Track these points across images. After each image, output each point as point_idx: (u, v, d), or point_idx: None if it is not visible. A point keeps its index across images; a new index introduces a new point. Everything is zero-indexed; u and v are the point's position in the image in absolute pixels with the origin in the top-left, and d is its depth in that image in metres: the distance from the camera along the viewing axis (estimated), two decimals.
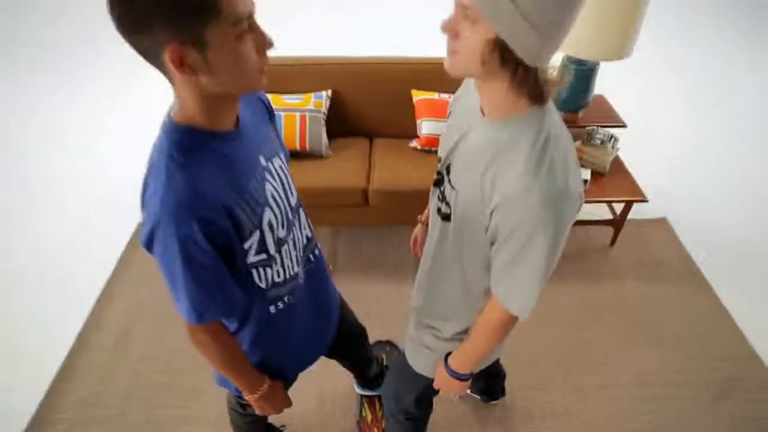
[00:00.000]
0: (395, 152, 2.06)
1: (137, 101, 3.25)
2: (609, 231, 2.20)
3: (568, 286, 2.03)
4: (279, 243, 0.79)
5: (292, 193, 0.85)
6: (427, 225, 1.18)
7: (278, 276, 0.83)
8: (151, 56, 0.57)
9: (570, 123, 2.08)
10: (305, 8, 4.57)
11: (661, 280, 2.07)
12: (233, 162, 0.69)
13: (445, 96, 2.04)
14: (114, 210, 2.40)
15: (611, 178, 2.06)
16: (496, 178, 0.69)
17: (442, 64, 0.67)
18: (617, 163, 2.13)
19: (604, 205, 2.26)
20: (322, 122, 1.99)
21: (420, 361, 1.06)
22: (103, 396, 1.65)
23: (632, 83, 3.35)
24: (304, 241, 0.92)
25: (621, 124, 2.12)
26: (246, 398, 0.93)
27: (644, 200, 1.98)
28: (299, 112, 1.95)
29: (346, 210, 2.02)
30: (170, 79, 0.61)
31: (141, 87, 3.22)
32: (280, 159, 0.83)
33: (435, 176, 0.88)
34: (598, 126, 2.08)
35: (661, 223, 2.34)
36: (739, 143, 2.93)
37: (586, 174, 2.00)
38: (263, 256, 0.76)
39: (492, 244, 0.76)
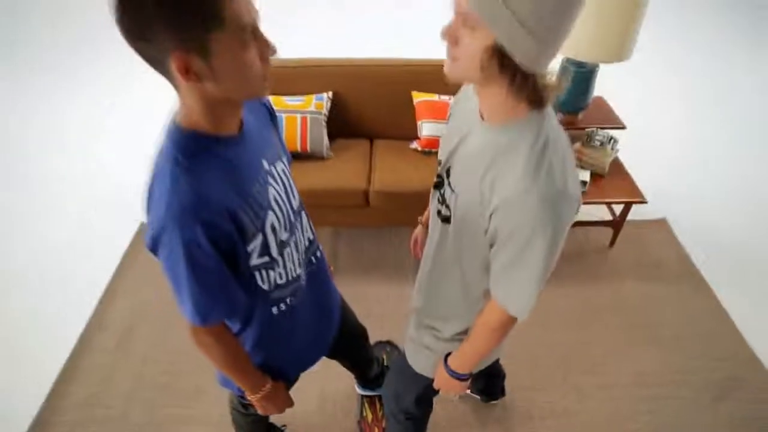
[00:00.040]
0: (396, 153, 2.07)
1: (137, 101, 3.26)
2: (608, 232, 2.21)
3: (567, 287, 2.04)
4: (281, 246, 0.80)
5: (294, 196, 0.86)
6: (427, 226, 1.19)
7: (280, 278, 0.84)
8: (157, 63, 0.58)
9: (570, 125, 2.09)
10: (306, 9, 4.58)
11: (661, 280, 2.08)
12: (237, 166, 0.70)
13: (445, 98, 2.04)
14: (114, 210, 2.41)
15: (611, 179, 2.07)
16: (496, 181, 0.70)
17: (443, 66, 0.68)
18: (617, 165, 2.14)
19: (604, 206, 2.27)
20: (323, 124, 2.00)
21: (420, 362, 1.07)
22: (105, 397, 1.65)
23: (632, 84, 3.35)
24: (306, 243, 0.93)
25: (620, 126, 2.13)
26: (249, 398, 0.94)
27: (643, 201, 1.99)
28: (300, 114, 1.96)
29: (347, 211, 2.03)
30: (175, 86, 0.62)
31: (141, 87, 3.22)
32: (283, 163, 0.84)
33: (435, 179, 0.89)
34: (597, 128, 2.09)
35: (661, 224, 2.35)
36: (739, 144, 2.94)
37: (586, 175, 2.01)
38: (266, 258, 0.77)
39: (491, 246, 0.77)
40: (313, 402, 1.64)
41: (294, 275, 0.87)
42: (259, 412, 0.98)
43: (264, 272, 0.79)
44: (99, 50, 3.90)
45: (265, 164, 0.77)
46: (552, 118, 0.73)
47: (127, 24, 0.54)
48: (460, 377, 0.96)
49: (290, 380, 1.06)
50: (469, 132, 0.79)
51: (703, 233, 2.31)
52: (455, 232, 0.83)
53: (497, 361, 1.41)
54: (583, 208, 2.24)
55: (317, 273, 0.99)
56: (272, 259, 0.79)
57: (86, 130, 3.03)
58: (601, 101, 2.27)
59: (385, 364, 1.70)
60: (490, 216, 0.72)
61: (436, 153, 0.91)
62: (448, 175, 0.84)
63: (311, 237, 0.96)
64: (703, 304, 1.99)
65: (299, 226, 0.89)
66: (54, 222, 2.35)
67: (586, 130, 2.09)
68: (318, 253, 0.99)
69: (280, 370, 0.98)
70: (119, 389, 1.67)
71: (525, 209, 0.67)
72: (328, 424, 1.59)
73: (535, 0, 0.56)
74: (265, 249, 0.76)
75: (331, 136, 2.08)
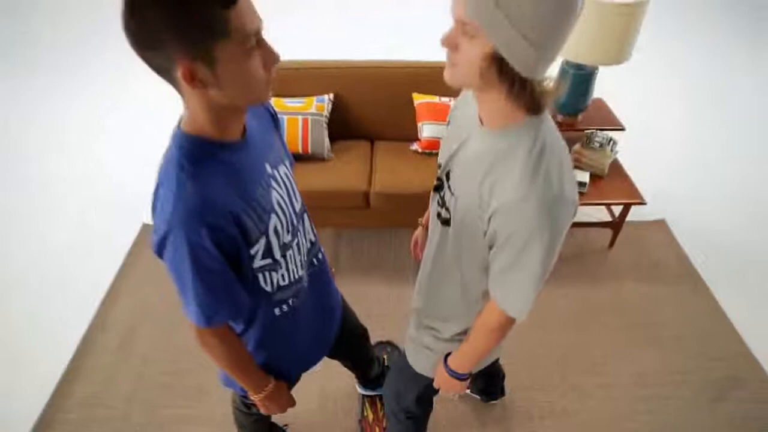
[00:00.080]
0: (396, 155, 2.08)
1: (137, 101, 3.26)
2: (608, 233, 2.23)
3: (567, 288, 2.05)
4: (284, 248, 0.82)
5: (296, 199, 0.88)
6: (427, 228, 1.20)
7: (283, 279, 0.85)
8: (163, 71, 0.60)
9: (569, 126, 2.10)
10: (306, 11, 4.59)
11: (660, 281, 2.09)
12: (240, 171, 0.71)
13: (445, 99, 2.06)
14: (116, 211, 2.42)
15: (610, 180, 2.08)
16: (494, 185, 0.71)
17: (443, 68, 0.69)
18: (616, 166, 2.15)
19: (603, 207, 2.29)
20: (324, 125, 2.01)
21: (420, 362, 1.08)
22: (107, 396, 1.67)
23: (631, 86, 3.36)
24: (308, 245, 0.94)
25: (620, 128, 2.14)
26: (251, 398, 0.95)
27: (642, 203, 2.01)
28: (301, 116, 1.97)
29: (348, 212, 2.04)
30: (180, 92, 0.64)
31: (141, 87, 3.23)
32: (285, 166, 0.86)
33: (435, 182, 0.91)
34: (596, 129, 2.11)
35: (660, 225, 2.36)
36: (738, 145, 2.95)
37: (585, 176, 2.02)
38: (269, 260, 0.79)
39: (490, 248, 0.78)
40: (314, 401, 1.65)
41: (296, 277, 0.89)
42: (262, 411, 0.99)
43: (267, 274, 0.81)
44: (99, 50, 3.91)
45: (268, 168, 0.79)
46: (549, 121, 0.74)
47: (135, 34, 0.56)
48: (459, 377, 0.98)
49: (292, 380, 1.07)
50: (468, 137, 0.80)
51: (702, 234, 2.32)
52: (455, 234, 0.84)
53: (497, 361, 1.43)
54: (583, 209, 2.26)
55: (319, 274, 1.00)
56: (275, 261, 0.80)
57: (87, 130, 3.04)
58: (600, 103, 2.28)
59: (386, 364, 1.71)
60: (489, 219, 0.73)
61: (437, 155, 0.92)
62: (447, 179, 0.85)
63: (313, 239, 0.97)
64: (701, 304, 2.00)
65: (301, 229, 0.90)
66: (55, 223, 2.36)
67: (586, 131, 2.11)
68: (320, 255, 1.01)
69: (283, 370, 1.00)
70: (122, 389, 1.69)
71: (523, 213, 0.68)
72: (329, 424, 1.60)
73: (533, 9, 0.58)
74: (268, 251, 0.78)
75: (332, 138, 2.09)
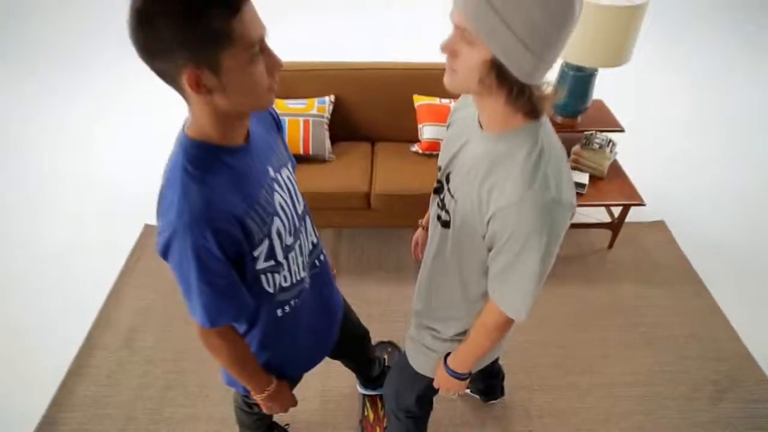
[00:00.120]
0: (397, 156, 2.10)
1: (137, 102, 3.28)
2: (607, 234, 2.24)
3: (566, 288, 2.06)
4: (287, 250, 0.83)
5: (299, 202, 0.89)
6: (427, 229, 1.21)
7: (285, 281, 0.87)
8: (169, 77, 0.61)
9: (569, 128, 2.11)
10: (306, 12, 4.61)
11: (658, 282, 2.10)
12: (244, 174, 0.73)
13: (446, 101, 2.07)
14: (118, 211, 2.44)
15: (609, 181, 2.09)
16: (493, 188, 0.73)
17: (443, 69, 0.70)
18: (615, 167, 2.16)
19: (603, 208, 2.30)
20: (325, 127, 2.03)
21: (420, 361, 1.09)
22: (111, 395, 1.68)
23: (631, 87, 3.37)
24: (310, 247, 0.96)
25: (619, 129, 2.15)
26: (254, 398, 0.97)
27: (642, 204, 2.02)
28: (303, 117, 1.99)
29: (349, 213, 2.05)
30: (185, 98, 0.65)
31: (141, 87, 3.26)
32: (288, 169, 0.87)
33: (435, 184, 0.92)
34: (596, 131, 2.12)
35: (659, 226, 2.37)
36: (737, 147, 2.95)
37: (585, 178, 2.03)
38: (272, 262, 0.80)
39: (489, 250, 0.79)
40: (315, 401, 1.66)
41: (298, 278, 0.90)
42: (264, 411, 1.01)
43: (270, 275, 0.82)
44: (99, 50, 3.94)
45: (271, 171, 0.80)
46: (547, 126, 0.75)
47: (143, 43, 0.58)
48: (459, 376, 0.99)
49: (294, 380, 1.09)
50: (468, 140, 0.81)
51: (701, 235, 2.33)
52: (454, 236, 0.85)
53: (496, 361, 1.44)
54: (583, 210, 2.27)
55: (320, 275, 1.02)
56: (278, 263, 0.82)
57: (87, 130, 3.05)
58: (600, 104, 2.29)
59: (386, 364, 1.72)
60: (488, 222, 0.75)
61: (437, 156, 0.93)
62: (447, 181, 0.86)
63: (315, 241, 0.99)
64: (700, 305, 2.01)
65: (304, 231, 0.92)
66: (56, 224, 2.37)
67: (585, 133, 2.12)
68: (321, 257, 1.02)
69: (285, 370, 1.01)
70: (125, 388, 1.70)
71: (521, 216, 0.70)
72: (329, 423, 1.62)
73: (531, 17, 0.59)
74: (271, 253, 0.79)
75: (333, 139, 2.10)
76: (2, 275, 2.13)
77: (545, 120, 0.75)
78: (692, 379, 1.75)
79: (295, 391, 1.08)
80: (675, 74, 3.70)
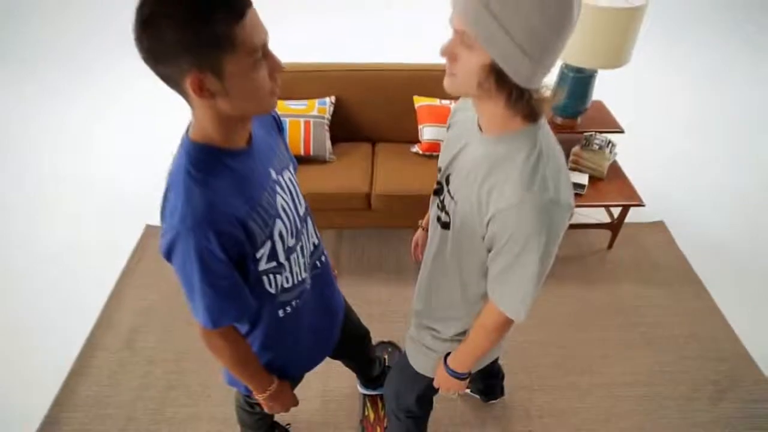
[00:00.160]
0: (397, 157, 2.10)
1: (138, 102, 3.29)
2: (607, 234, 2.24)
3: (566, 288, 2.07)
4: (288, 251, 0.84)
5: (300, 204, 0.90)
6: (427, 230, 1.22)
7: (287, 282, 0.87)
8: (172, 81, 0.62)
9: (569, 129, 2.12)
10: (307, 12, 4.61)
11: (658, 282, 2.11)
12: (246, 177, 0.73)
13: (446, 102, 2.08)
14: (118, 211, 2.44)
15: (609, 182, 2.10)
16: (493, 190, 0.74)
17: (443, 71, 0.71)
18: (615, 168, 2.17)
19: (602, 208, 2.30)
20: (326, 128, 2.04)
21: (420, 361, 1.10)
22: (112, 395, 1.69)
23: (630, 88, 3.38)
24: (311, 248, 0.96)
25: (619, 130, 2.16)
26: (256, 397, 0.97)
27: (641, 204, 2.02)
28: (303, 118, 1.99)
29: (349, 213, 2.06)
30: (188, 102, 0.66)
31: (141, 88, 3.26)
32: (290, 171, 0.88)
33: (435, 186, 0.93)
34: (596, 131, 2.12)
35: (659, 227, 2.38)
36: (737, 147, 2.96)
37: (584, 178, 2.04)
38: (273, 263, 0.81)
39: (489, 251, 0.80)
40: (316, 401, 1.67)
41: (300, 279, 0.91)
42: (266, 410, 1.01)
43: (272, 277, 0.83)
44: (99, 51, 3.95)
45: (273, 174, 0.81)
46: (546, 129, 0.76)
47: (147, 47, 0.58)
48: (459, 376, 1.00)
49: (295, 380, 1.09)
50: (468, 142, 0.82)
51: (701, 236, 2.34)
52: (454, 237, 0.86)
53: (496, 361, 1.45)
54: (582, 210, 2.28)
55: (322, 276, 1.03)
56: (279, 264, 0.83)
57: (87, 131, 3.06)
58: (600, 105, 2.30)
59: (387, 364, 1.73)
60: (488, 223, 0.75)
61: (437, 157, 0.94)
62: (447, 183, 0.87)
63: (316, 242, 0.99)
64: (699, 305, 2.02)
65: (305, 232, 0.92)
66: (57, 224, 2.38)
67: (585, 133, 2.12)
68: (323, 258, 1.03)
69: (286, 369, 1.02)
70: (126, 388, 1.71)
71: (520, 218, 0.70)
72: (330, 423, 1.62)
73: (529, 22, 0.60)
74: (273, 255, 0.80)
75: (334, 140, 2.11)
76: (2, 275, 2.14)
77: (544, 123, 0.76)
78: (692, 379, 1.76)
79: (296, 391, 1.09)
80: (675, 74, 3.71)
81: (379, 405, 1.64)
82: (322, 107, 2.04)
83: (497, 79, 0.66)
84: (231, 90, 0.63)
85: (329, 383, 1.71)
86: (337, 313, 1.14)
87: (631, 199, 2.04)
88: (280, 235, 0.80)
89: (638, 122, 2.97)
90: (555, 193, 0.70)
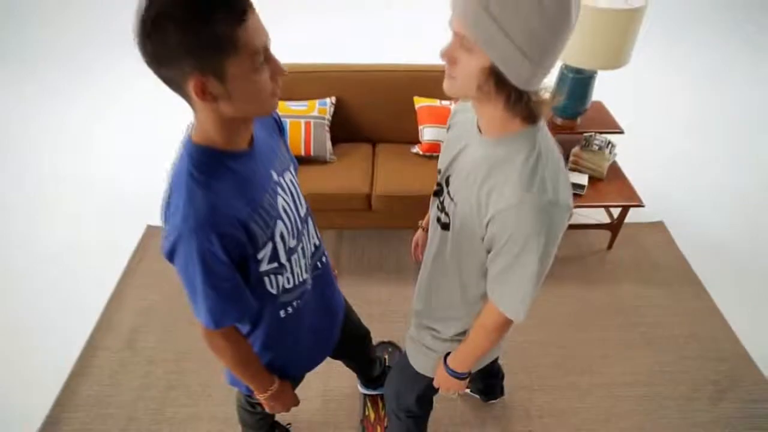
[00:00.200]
0: (398, 158, 2.11)
1: (138, 102, 3.29)
2: (607, 234, 2.25)
3: (566, 288, 2.07)
4: (289, 252, 0.85)
5: (301, 205, 0.90)
6: (427, 231, 1.22)
7: (288, 282, 0.88)
8: (175, 85, 0.63)
9: (568, 129, 2.12)
10: (307, 12, 4.62)
11: (658, 282, 2.11)
12: (248, 179, 0.74)
13: (446, 103, 2.08)
14: (119, 212, 2.44)
15: (609, 182, 2.11)
16: (492, 191, 0.74)
17: (444, 72, 0.71)
18: (614, 169, 2.17)
19: (602, 209, 2.31)
20: (326, 128, 2.04)
21: (420, 361, 1.11)
22: (113, 395, 1.70)
23: (630, 88, 3.38)
24: (312, 249, 0.97)
25: (618, 131, 2.16)
26: (257, 397, 0.98)
27: (640, 205, 2.03)
28: (304, 119, 2.00)
29: (350, 214, 2.06)
30: (191, 104, 0.66)
31: (141, 88, 3.26)
32: (291, 173, 0.88)
33: (435, 187, 0.93)
34: (595, 132, 2.13)
35: (658, 227, 2.38)
36: (737, 147, 2.96)
37: (584, 179, 2.04)
38: (275, 264, 0.82)
39: (488, 252, 0.81)
40: (317, 401, 1.68)
41: (301, 279, 0.92)
42: (267, 410, 1.02)
43: (273, 277, 0.83)
44: (100, 51, 3.95)
45: (274, 175, 0.81)
46: (545, 131, 0.76)
47: (150, 52, 0.59)
48: (459, 376, 1.00)
49: (296, 380, 1.10)
50: (467, 144, 0.83)
51: (700, 236, 2.34)
52: (454, 238, 0.86)
53: (496, 360, 1.45)
54: (582, 211, 2.29)
55: (322, 277, 1.03)
56: (281, 265, 0.83)
57: (88, 131, 3.06)
58: (599, 106, 2.30)
59: (387, 364, 1.74)
60: (487, 224, 0.76)
61: (437, 157, 0.95)
62: (447, 184, 0.88)
63: (317, 243, 1.00)
64: (699, 305, 2.02)
65: (306, 233, 0.93)
66: (57, 224, 2.38)
67: (585, 134, 2.13)
68: (323, 258, 1.04)
69: (287, 369, 1.02)
70: (127, 388, 1.72)
71: (519, 219, 0.71)
72: (331, 423, 1.63)
73: (529, 25, 0.60)
74: (274, 256, 0.80)
75: (334, 141, 2.12)
76: (2, 275, 2.14)
77: (543, 125, 0.76)
78: (692, 379, 1.76)
79: (297, 391, 1.09)
80: (675, 74, 3.71)
81: (380, 405, 1.65)
82: (322, 108, 2.04)
83: (496, 81, 0.66)
84: (233, 93, 0.63)
85: (330, 383, 1.71)
86: (337, 313, 1.15)
87: (631, 199, 2.04)
88: (282, 237, 0.81)
89: (638, 122, 2.97)
90: (554, 194, 0.71)
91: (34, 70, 3.75)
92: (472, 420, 1.64)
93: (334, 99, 2.10)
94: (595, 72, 1.96)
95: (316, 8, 4.68)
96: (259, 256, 0.77)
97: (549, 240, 0.72)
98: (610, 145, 2.11)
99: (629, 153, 2.37)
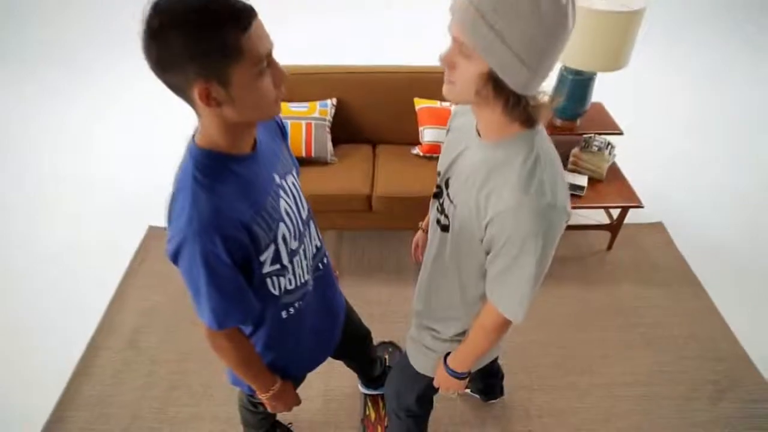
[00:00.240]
0: (398, 159, 2.11)
1: (138, 102, 3.29)
2: (606, 235, 2.26)
3: (566, 289, 2.08)
4: (291, 254, 0.86)
5: (303, 207, 0.91)
6: (427, 232, 1.23)
7: (290, 284, 0.89)
8: (180, 91, 0.64)
9: (568, 131, 2.13)
10: (306, 12, 4.62)
11: (657, 283, 2.12)
12: (251, 182, 0.75)
13: (446, 104, 2.09)
14: (121, 212, 2.45)
15: (608, 183, 2.12)
16: (491, 194, 0.75)
17: (444, 74, 0.72)
18: (614, 170, 2.18)
19: (602, 210, 2.32)
20: (327, 130, 2.05)
21: (420, 361, 1.12)
22: (116, 395, 1.71)
23: (630, 89, 3.39)
24: (314, 250, 0.98)
25: (618, 132, 2.17)
26: (259, 397, 0.99)
27: (640, 206, 2.04)
28: (305, 120, 2.00)
29: (350, 215, 2.07)
30: (195, 109, 0.67)
31: (141, 88, 3.26)
32: (293, 175, 0.89)
33: (435, 189, 0.94)
34: (595, 133, 2.14)
35: (658, 228, 2.39)
36: (737, 147, 2.97)
37: (584, 180, 2.05)
38: (277, 266, 0.83)
39: (487, 253, 0.81)
40: (318, 401, 1.68)
41: (302, 281, 0.93)
42: (269, 410, 1.03)
43: (275, 279, 0.84)
44: (101, 51, 3.95)
45: (277, 178, 0.82)
46: (543, 134, 0.77)
47: (155, 58, 0.60)
48: (458, 376, 1.01)
49: (298, 380, 1.11)
50: (466, 147, 0.84)
51: (700, 236, 2.35)
52: (453, 240, 0.87)
53: (496, 360, 1.46)
54: (582, 211, 2.29)
55: (323, 278, 1.04)
56: (283, 266, 0.84)
57: (87, 131, 3.07)
58: (599, 107, 2.31)
59: (387, 363, 1.74)
60: (486, 226, 0.77)
61: (437, 158, 0.96)
62: (446, 187, 0.88)
63: (318, 244, 1.01)
64: (698, 306, 2.03)
65: (308, 235, 0.94)
66: (57, 223, 2.39)
67: (584, 135, 2.14)
68: (324, 260, 1.05)
69: (289, 370, 1.03)
70: (130, 388, 1.73)
71: (517, 221, 0.72)
72: (331, 422, 1.64)
73: (526, 33, 0.61)
74: (276, 258, 0.81)
75: (335, 142, 2.12)
76: (2, 275, 2.15)
77: (541, 128, 0.77)
78: (691, 379, 1.77)
79: (298, 391, 1.10)
80: (675, 75, 3.72)
81: (380, 404, 1.66)
82: (323, 109, 2.05)
83: (495, 86, 0.67)
84: (237, 98, 0.64)
85: (331, 383, 1.72)
86: (338, 314, 1.16)
87: (630, 200, 2.05)
88: (284, 239, 0.82)
89: (638, 123, 2.98)
90: (552, 197, 0.72)
91: (34, 70, 3.75)
92: (472, 419, 1.65)
93: (335, 100, 2.11)
94: (595, 74, 1.96)
95: (316, 8, 4.68)
96: (262, 258, 0.78)
97: (547, 243, 0.73)
98: (609, 147, 2.11)
99: (629, 154, 2.37)
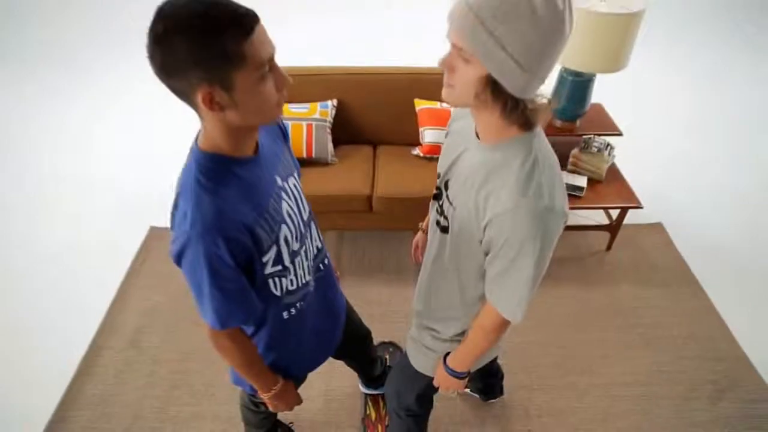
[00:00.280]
0: (398, 159, 2.12)
1: (139, 102, 3.30)
2: (605, 236, 2.26)
3: (565, 289, 2.09)
4: (293, 255, 0.86)
5: (304, 209, 0.92)
6: (427, 233, 1.24)
7: (292, 284, 0.90)
8: (184, 95, 0.64)
9: (568, 132, 2.14)
10: (306, 13, 4.62)
11: (656, 283, 2.13)
12: (253, 185, 0.76)
13: (446, 105, 2.09)
14: (122, 213, 2.46)
15: (607, 184, 2.12)
16: (489, 196, 0.76)
17: (443, 74, 0.73)
18: (613, 170, 2.19)
19: (601, 210, 2.32)
20: (328, 130, 2.05)
21: (420, 361, 1.12)
22: (118, 394, 1.71)
23: (630, 90, 3.39)
24: (315, 251, 0.99)
25: (617, 133, 2.17)
26: (261, 396, 1.00)
27: (639, 206, 2.04)
28: (305, 121, 2.01)
29: (351, 215, 2.08)
30: (198, 113, 0.68)
31: (141, 88, 3.27)
32: (294, 177, 0.90)
33: (434, 191, 0.95)
34: (594, 134, 2.14)
35: (657, 228, 2.40)
36: (737, 147, 2.97)
37: (583, 181, 2.06)
38: (279, 267, 0.83)
39: (486, 254, 0.82)
40: (319, 400, 1.69)
41: (304, 281, 0.93)
42: (270, 409, 1.04)
43: (277, 280, 0.85)
44: (101, 51, 3.95)
45: (279, 181, 0.83)
46: (541, 137, 0.78)
47: (160, 63, 0.61)
48: (458, 375, 1.02)
49: (299, 379, 1.12)
50: (466, 149, 0.84)
51: (699, 237, 2.36)
52: (453, 241, 0.88)
53: (495, 360, 1.47)
54: (581, 212, 2.30)
55: (324, 279, 1.05)
56: (284, 267, 0.85)
57: (87, 131, 3.07)
58: (599, 108, 2.32)
59: (388, 363, 1.75)
60: (485, 228, 0.78)
61: (438, 159, 0.96)
62: (446, 188, 0.89)
63: (319, 245, 1.02)
64: (697, 306, 2.04)
65: (309, 236, 0.95)
66: (57, 223, 2.39)
67: (584, 136, 2.14)
68: (326, 261, 1.05)
69: (290, 369, 1.04)
70: (131, 387, 1.73)
71: (515, 222, 0.73)
72: (332, 422, 1.64)
73: (524, 38, 0.62)
74: (278, 259, 0.82)
75: (335, 143, 2.13)
76: (2, 275, 2.15)
77: (539, 131, 0.78)
78: (690, 379, 1.78)
79: (299, 391, 1.11)
80: (675, 75, 3.72)
81: (381, 404, 1.66)
82: (324, 110, 2.06)
83: (493, 90, 0.68)
84: (240, 102, 0.65)
85: (331, 383, 1.73)
86: (339, 314, 1.17)
87: (629, 201, 2.06)
88: (285, 240, 0.83)
89: (637, 124, 2.98)
90: (550, 200, 0.72)
91: (34, 70, 3.75)
92: (472, 419, 1.66)
93: (335, 101, 2.12)
94: (594, 75, 1.97)
95: (316, 8, 4.69)
96: (264, 259, 0.79)
97: (544, 245, 0.74)
98: (608, 147, 2.12)
99: (628, 154, 2.38)
